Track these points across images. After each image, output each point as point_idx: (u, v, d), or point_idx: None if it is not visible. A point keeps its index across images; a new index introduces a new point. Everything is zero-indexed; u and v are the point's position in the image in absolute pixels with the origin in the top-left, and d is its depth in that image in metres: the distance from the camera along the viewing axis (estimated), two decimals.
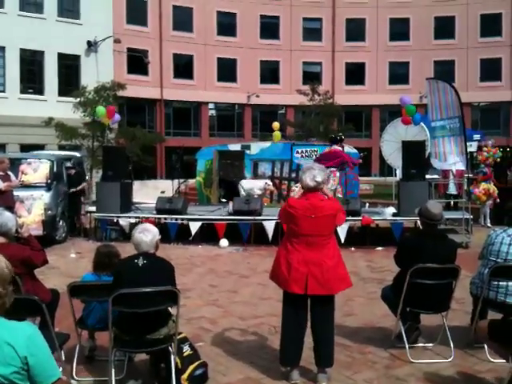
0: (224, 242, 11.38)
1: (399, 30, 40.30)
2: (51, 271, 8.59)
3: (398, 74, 40.59)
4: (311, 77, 35.33)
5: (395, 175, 20.86)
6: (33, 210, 11.24)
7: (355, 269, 8.83)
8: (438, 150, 11.46)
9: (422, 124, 12.96)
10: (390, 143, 13.59)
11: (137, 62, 34.09)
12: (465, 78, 38.04)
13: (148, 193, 21.47)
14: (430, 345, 4.96)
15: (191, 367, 3.95)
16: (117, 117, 14.21)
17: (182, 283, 7.94)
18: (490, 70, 38.75)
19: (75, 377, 4.20)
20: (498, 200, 13.72)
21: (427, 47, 39.42)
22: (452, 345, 4.63)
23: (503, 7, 38.44)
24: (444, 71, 39.07)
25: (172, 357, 3.78)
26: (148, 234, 3.92)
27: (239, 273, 8.68)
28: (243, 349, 4.96)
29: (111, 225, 12.44)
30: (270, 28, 39.63)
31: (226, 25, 38.48)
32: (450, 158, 11.12)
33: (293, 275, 4.06)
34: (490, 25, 38.73)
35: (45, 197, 11.44)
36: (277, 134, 18.98)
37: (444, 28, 39.60)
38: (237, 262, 9.79)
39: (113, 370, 3.75)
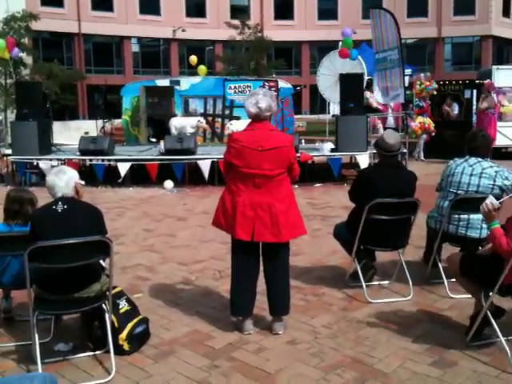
0: (169, 184, 10.68)
1: None
2: None
3: (327, 9, 39.90)
4: (239, 10, 33.99)
5: (328, 112, 20.65)
6: None
7: None
8: (381, 83, 11.14)
9: (359, 57, 12.59)
10: (327, 77, 13.16)
11: None
12: None
13: (70, 134, 20.17)
14: (386, 282, 4.70)
15: (130, 325, 3.42)
16: (16, 50, 12.85)
17: (113, 228, 7.30)
18: (417, 6, 38.83)
19: None
20: (434, 134, 13.80)
21: None
22: (411, 282, 4.37)
23: None
24: (372, 7, 38.74)
25: (107, 315, 3.23)
26: (62, 176, 3.31)
27: (176, 215, 8.12)
28: (187, 297, 4.48)
29: (30, 168, 11.41)
30: None
31: None
32: (391, 91, 10.85)
33: (238, 220, 3.55)
34: None
35: None
36: (202, 69, 17.57)
37: None
38: (172, 203, 9.20)
39: (36, 335, 3.15)
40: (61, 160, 11.31)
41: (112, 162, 11.17)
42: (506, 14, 39.19)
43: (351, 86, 10.68)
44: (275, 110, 3.67)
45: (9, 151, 11.86)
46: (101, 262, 3.35)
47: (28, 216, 3.67)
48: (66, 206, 3.20)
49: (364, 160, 10.58)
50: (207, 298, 4.48)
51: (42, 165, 11.18)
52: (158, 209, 8.70)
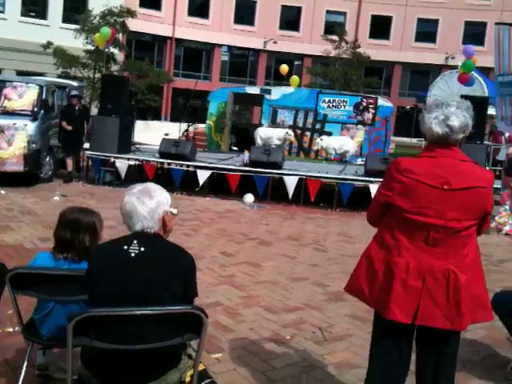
0: (249, 198, 9.66)
1: None
2: (26, 217, 6.96)
3: (426, 31, 38.01)
4: (334, 27, 32.83)
5: (421, 136, 18.99)
6: (14, 142, 9.43)
7: None
8: (504, 111, 9.56)
9: (479, 79, 11.04)
10: (438, 98, 11.64)
11: None
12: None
13: (151, 135, 19.79)
14: None
15: None
16: (109, 43, 12.43)
17: (187, 247, 6.26)
18: None
19: None
20: None
21: (460, 6, 36.70)
22: None
23: None
24: (475, 33, 36.67)
25: None
26: (148, 201, 2.17)
27: (258, 237, 6.97)
28: (282, 370, 3.24)
29: (106, 166, 10.73)
30: None
31: None
32: None
33: (396, 292, 2.29)
34: None
35: (29, 127, 9.60)
36: (294, 79, 16.32)
37: None
38: (253, 222, 8.08)
39: None
40: (138, 160, 10.59)
41: (191, 168, 10.28)
42: None
43: (474, 110, 9.18)
44: (469, 131, 2.40)
45: (86, 145, 11.28)
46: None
47: (84, 249, 2.60)
48: (143, 249, 2.09)
49: None
50: (311, 374, 3.22)
51: (119, 164, 10.49)
52: (237, 227, 7.61)
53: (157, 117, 30.19)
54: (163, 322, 2.00)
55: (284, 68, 15.20)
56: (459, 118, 2.30)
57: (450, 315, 2.27)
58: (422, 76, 39.41)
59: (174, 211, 2.29)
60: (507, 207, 8.58)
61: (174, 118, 30.68)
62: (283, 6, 36.81)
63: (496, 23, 10.19)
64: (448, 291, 2.26)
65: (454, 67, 31.88)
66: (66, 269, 2.58)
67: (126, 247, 2.11)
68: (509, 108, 9.70)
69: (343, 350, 3.62)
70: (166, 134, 23.42)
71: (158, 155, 10.64)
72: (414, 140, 22.91)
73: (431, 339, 2.38)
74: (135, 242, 2.12)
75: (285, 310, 4.32)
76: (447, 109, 2.31)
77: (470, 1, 36.95)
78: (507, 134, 11.65)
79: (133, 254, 2.09)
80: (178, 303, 2.08)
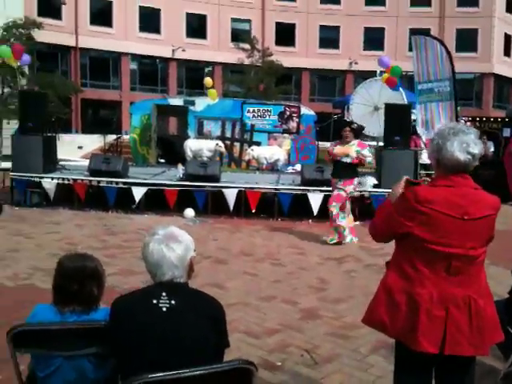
0: (190, 212, 9.50)
1: None
2: None
3: (329, 38, 39.47)
4: (241, 34, 33.21)
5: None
6: None
7: (349, 251, 7.38)
8: (424, 117, 10.19)
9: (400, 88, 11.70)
10: (361, 106, 12.24)
11: (49, 4, 30.26)
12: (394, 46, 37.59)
13: (63, 149, 18.98)
14: None
15: None
16: (25, 57, 11.73)
17: (144, 271, 6.02)
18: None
19: None
20: None
21: (358, 13, 38.52)
22: None
23: None
24: (374, 38, 38.65)
25: None
26: (176, 247, 2.11)
27: (211, 255, 6.89)
28: None
29: (32, 187, 10.15)
30: None
31: None
32: (438, 126, 9.91)
33: (422, 323, 2.31)
34: None
35: None
36: (212, 92, 16.03)
37: None
38: (201, 238, 7.91)
39: None
40: (67, 179, 10.12)
41: (125, 186, 9.96)
42: (506, 53, 39.08)
43: (397, 117, 9.73)
44: None
45: (6, 164, 10.65)
46: None
47: (93, 299, 2.40)
48: (174, 302, 2.03)
49: None
50: None
51: (46, 184, 9.99)
52: None
53: (68, 129, 28.93)
54: (212, 380, 1.92)
55: (208, 81, 15.00)
56: (477, 145, 2.37)
57: (474, 341, 2.35)
58: (328, 81, 40.98)
59: (195, 254, 2.24)
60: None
61: (86, 130, 29.57)
62: (188, 14, 36.65)
63: (412, 34, 10.84)
64: (471, 318, 2.34)
65: (358, 72, 33.45)
66: (75, 322, 2.37)
67: (155, 301, 2.05)
68: (428, 113, 10.35)
69: (336, 372, 3.64)
70: (80, 148, 22.47)
71: (87, 173, 10.24)
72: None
73: (455, 366, 2.45)
74: (164, 294, 2.07)
75: (265, 333, 4.30)
76: (466, 136, 2.36)
77: (368, 8, 38.87)
78: (424, 138, 12.41)
79: (164, 309, 2.04)
80: (216, 356, 2.05)
